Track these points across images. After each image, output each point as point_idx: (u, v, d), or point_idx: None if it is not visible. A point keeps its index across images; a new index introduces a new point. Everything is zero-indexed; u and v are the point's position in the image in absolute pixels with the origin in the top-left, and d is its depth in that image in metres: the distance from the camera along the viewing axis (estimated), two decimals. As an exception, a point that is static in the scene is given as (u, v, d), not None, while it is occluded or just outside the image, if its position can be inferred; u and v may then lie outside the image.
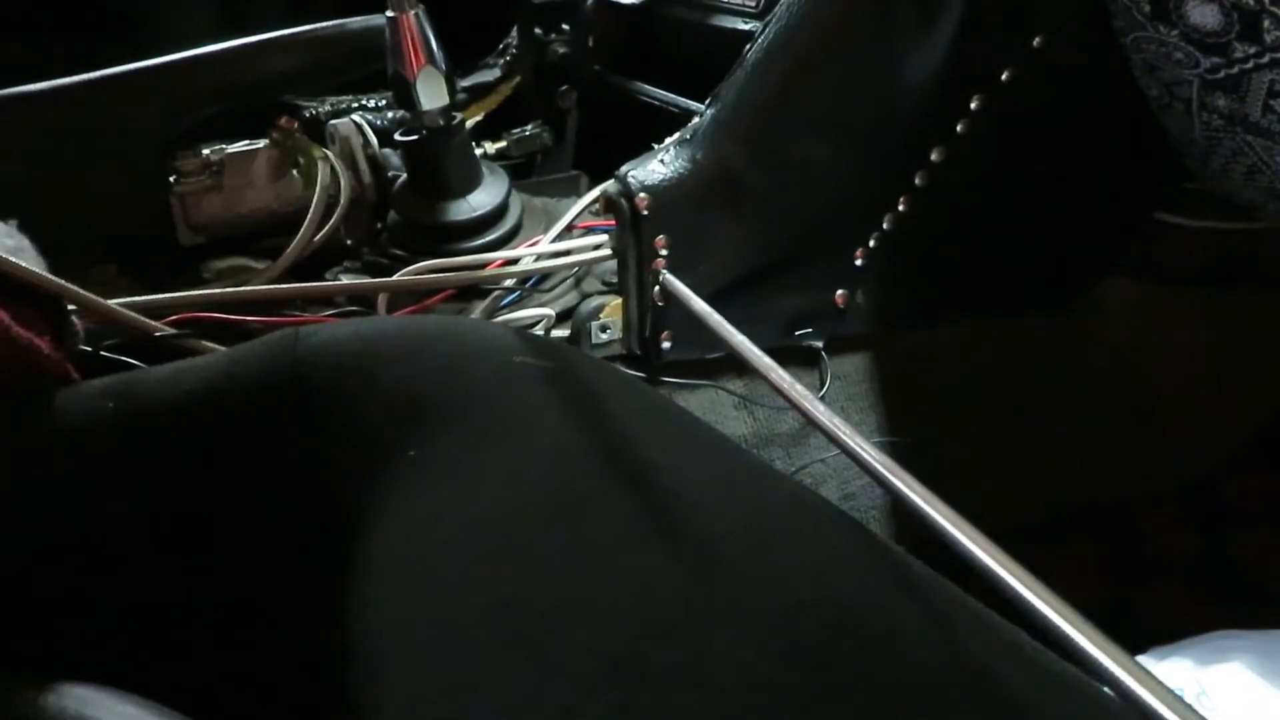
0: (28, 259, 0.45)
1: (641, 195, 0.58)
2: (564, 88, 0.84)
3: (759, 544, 0.34)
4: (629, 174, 0.59)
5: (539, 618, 0.32)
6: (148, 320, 0.47)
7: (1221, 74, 0.57)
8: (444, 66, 0.66)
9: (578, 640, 0.31)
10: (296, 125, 0.70)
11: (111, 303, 0.46)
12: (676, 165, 0.59)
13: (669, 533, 0.34)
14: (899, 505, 0.73)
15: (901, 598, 0.32)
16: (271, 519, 0.40)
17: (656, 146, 0.62)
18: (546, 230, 0.69)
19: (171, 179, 0.68)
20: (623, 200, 0.58)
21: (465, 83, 0.84)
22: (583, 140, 0.89)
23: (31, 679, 0.33)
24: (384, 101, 0.81)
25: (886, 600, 0.31)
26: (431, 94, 0.65)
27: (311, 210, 0.67)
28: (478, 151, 0.76)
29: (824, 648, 0.29)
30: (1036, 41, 0.63)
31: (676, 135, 0.61)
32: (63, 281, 0.45)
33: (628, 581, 0.33)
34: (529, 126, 0.82)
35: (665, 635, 0.31)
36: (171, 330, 0.47)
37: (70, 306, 0.47)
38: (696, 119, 0.62)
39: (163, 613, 0.39)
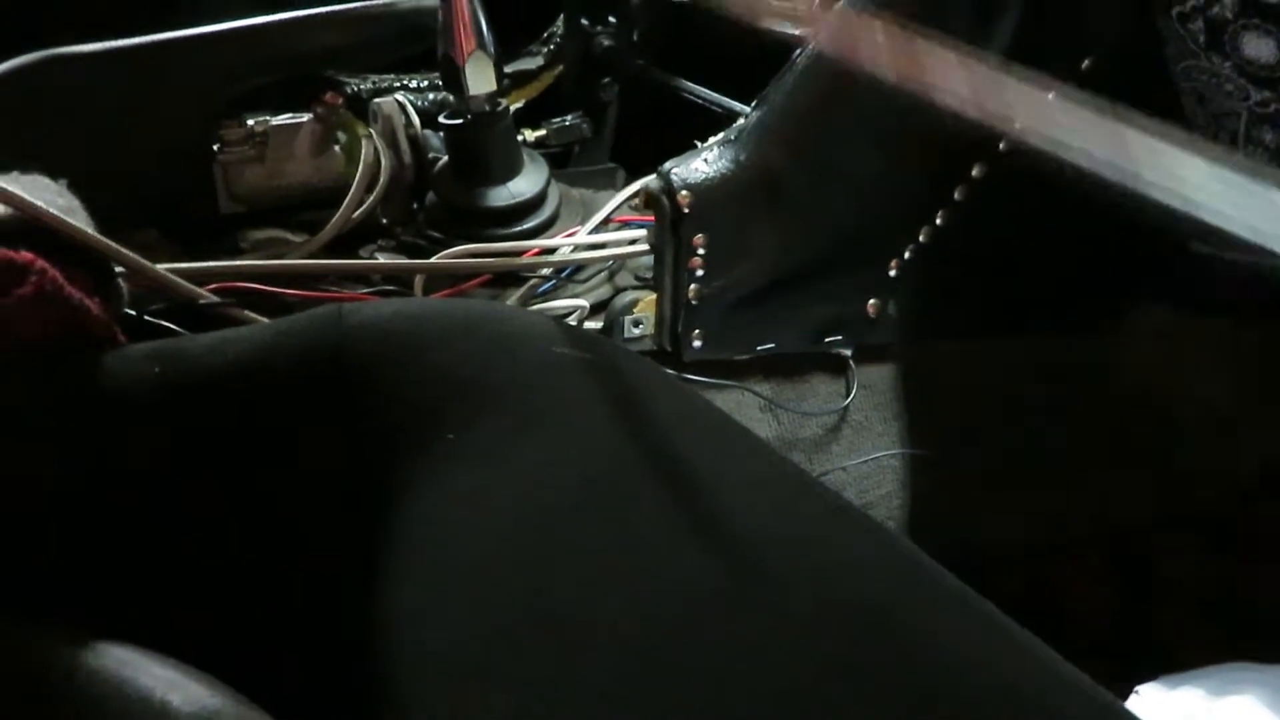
0: (78, 219, 0.46)
1: (683, 193, 0.58)
2: (606, 80, 0.84)
3: (794, 547, 0.34)
4: (672, 171, 0.59)
5: (571, 607, 0.32)
6: (193, 287, 0.47)
7: (1271, 108, 0.57)
8: (493, 52, 0.66)
9: (609, 632, 0.31)
10: (342, 102, 0.70)
11: (159, 268, 0.47)
12: (719, 165, 0.60)
13: (704, 531, 0.34)
14: (916, 515, 0.73)
15: (934, 606, 0.32)
16: (309, 492, 0.40)
17: (699, 145, 0.62)
18: (583, 221, 0.69)
19: (215, 147, 0.68)
20: (664, 197, 0.59)
21: (508, 69, 0.84)
22: (621, 133, 0.89)
23: (70, 636, 0.33)
24: (426, 82, 0.81)
25: (920, 609, 0.32)
26: (480, 79, 0.66)
27: (354, 187, 0.67)
28: (518, 138, 0.76)
29: (857, 652, 0.30)
30: (1086, 64, 0.63)
31: (721, 135, 0.61)
32: (112, 243, 0.46)
33: (661, 577, 0.33)
34: (569, 117, 0.82)
35: (697, 632, 0.31)
36: (216, 298, 0.47)
37: (117, 269, 0.48)
38: (742, 120, 0.62)
39: (196, 578, 0.39)
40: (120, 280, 0.47)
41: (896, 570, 0.34)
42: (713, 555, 0.33)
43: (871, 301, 0.68)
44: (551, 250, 0.65)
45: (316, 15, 0.70)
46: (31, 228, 0.43)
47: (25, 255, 0.39)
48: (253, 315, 0.48)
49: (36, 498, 0.37)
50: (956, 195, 0.66)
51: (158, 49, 0.64)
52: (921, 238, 0.67)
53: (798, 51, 0.61)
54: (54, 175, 0.50)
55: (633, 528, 0.35)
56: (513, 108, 0.80)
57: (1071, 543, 0.83)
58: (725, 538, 0.34)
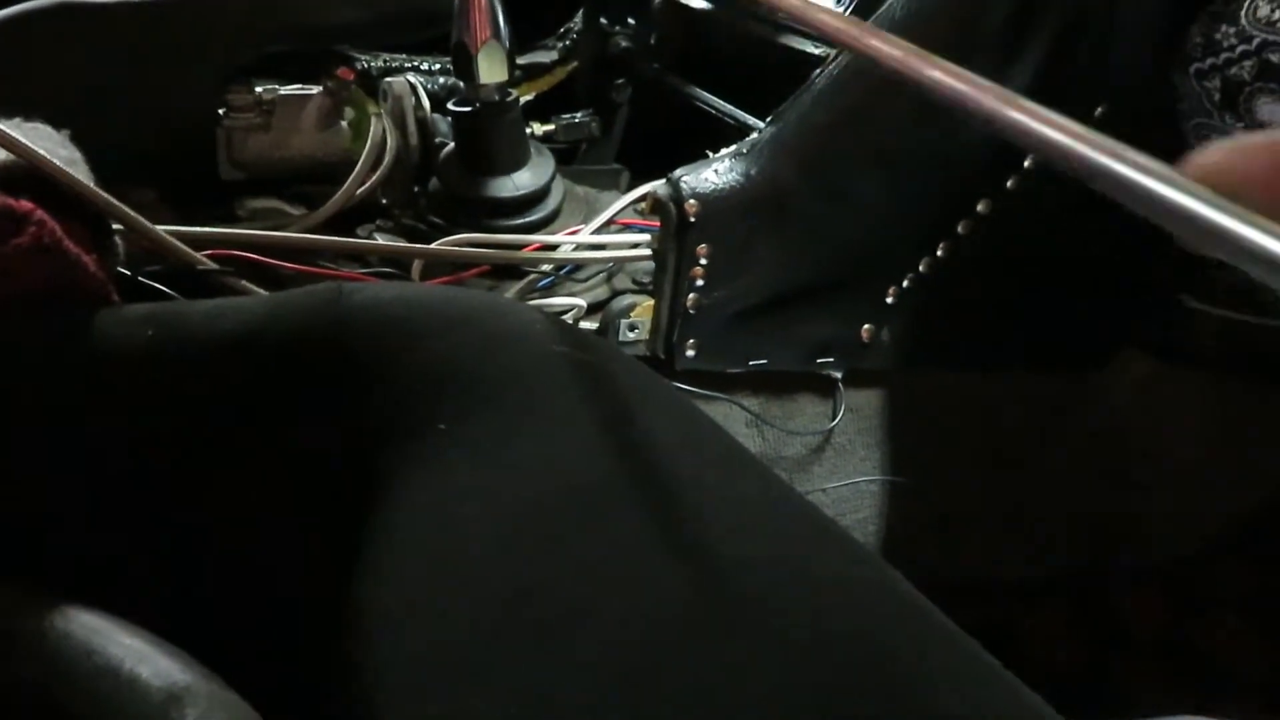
0: (80, 172, 0.45)
1: (691, 202, 0.58)
2: (620, 81, 0.84)
3: (783, 567, 0.34)
4: (682, 179, 0.59)
5: (558, 612, 0.32)
6: (191, 251, 0.47)
7: (1279, 172, 0.57)
8: (507, 43, 0.66)
9: (595, 640, 0.31)
10: (353, 77, 0.69)
11: (158, 229, 0.46)
12: (730, 177, 0.60)
13: (693, 544, 0.34)
14: (889, 542, 0.74)
15: (924, 640, 0.32)
16: (296, 471, 0.39)
17: (709, 154, 0.62)
18: (586, 219, 0.69)
19: (221, 112, 0.67)
20: (672, 204, 0.58)
21: (521, 60, 0.83)
22: (629, 135, 0.88)
23: (43, 598, 0.32)
24: (437, 66, 0.81)
25: (910, 641, 0.31)
26: (492, 68, 0.65)
27: (359, 165, 0.67)
28: (526, 131, 0.76)
29: (844, 679, 0.29)
30: (1099, 111, 0.64)
31: (733, 147, 0.61)
32: (113, 199, 0.45)
33: (650, 587, 0.33)
34: (579, 114, 0.81)
35: (685, 648, 0.31)
36: (215, 265, 0.47)
37: (115, 226, 0.47)
38: (755, 134, 0.62)
39: (173, 548, 0.38)
40: (117, 238, 0.46)
41: (884, 597, 0.34)
42: (701, 571, 0.33)
43: (866, 326, 0.68)
44: (553, 247, 0.64)
45: (335, -11, 0.69)
46: (32, 176, 0.42)
47: (25, 204, 0.38)
48: (250, 286, 0.47)
49: (21, 453, 0.36)
50: (960, 229, 0.67)
51: (170, 6, 0.63)
52: (922, 267, 0.67)
53: (817, 72, 0.61)
54: (57, 126, 0.49)
55: (621, 536, 0.35)
56: (523, 100, 0.79)
57: (1035, 585, 0.84)
58: (713, 553, 0.34)
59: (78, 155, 0.47)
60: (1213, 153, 0.18)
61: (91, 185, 0.43)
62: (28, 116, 0.47)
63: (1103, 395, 0.84)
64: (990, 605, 0.83)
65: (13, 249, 0.37)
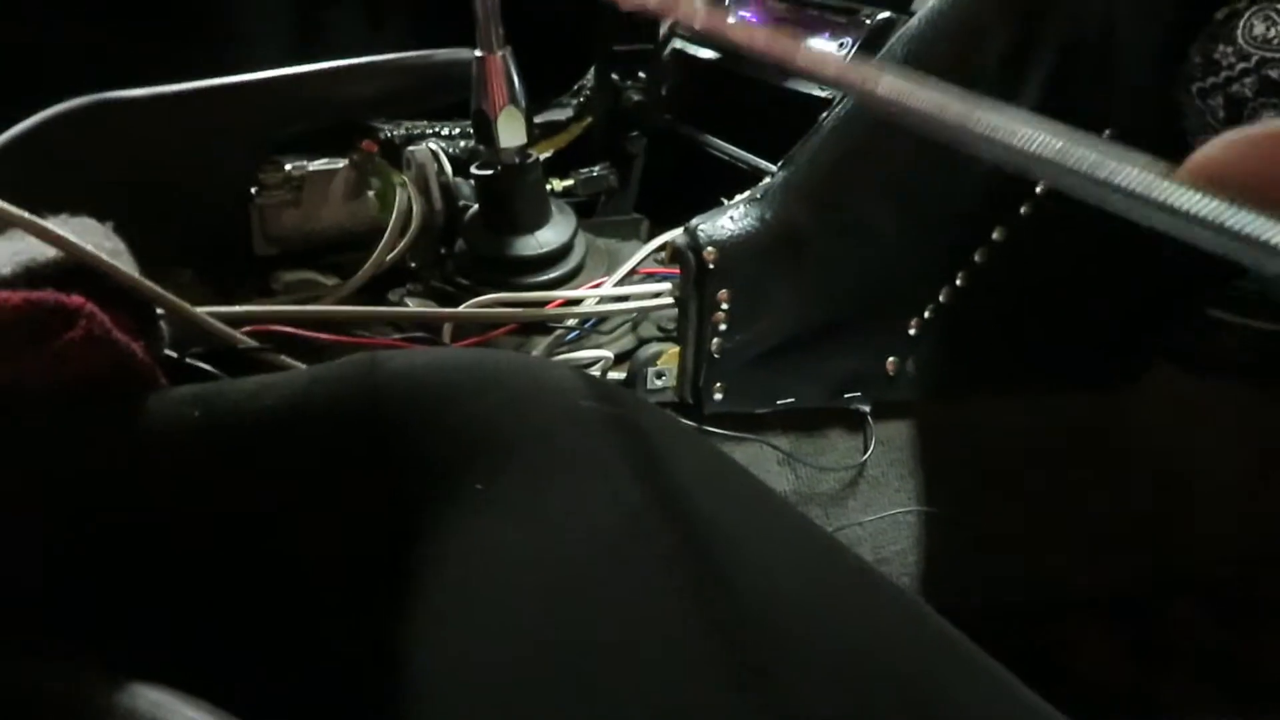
0: (124, 262, 0.47)
1: (709, 249, 0.59)
2: (634, 133, 0.86)
3: (819, 611, 0.35)
4: (699, 227, 0.60)
5: (593, 664, 0.33)
6: (231, 331, 0.49)
7: (1290, 183, 0.58)
8: (525, 106, 0.68)
9: (631, 690, 0.32)
10: (377, 149, 0.72)
11: (199, 311, 0.48)
12: (745, 222, 0.61)
13: (729, 593, 0.35)
14: (929, 572, 0.74)
15: (965, 678, 0.32)
16: (337, 539, 0.41)
17: (726, 202, 0.63)
18: (609, 271, 0.71)
19: (253, 190, 0.70)
20: (690, 253, 0.60)
21: (538, 119, 0.86)
22: (646, 185, 0.90)
23: (107, 676, 0.34)
24: (457, 130, 0.84)
25: (950, 681, 0.32)
26: (511, 132, 0.67)
27: (387, 233, 0.69)
28: (546, 189, 0.78)
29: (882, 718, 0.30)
30: (1106, 134, 0.64)
31: (747, 193, 0.63)
32: (157, 287, 0.47)
33: (685, 636, 0.34)
34: (596, 168, 0.84)
35: (722, 692, 0.31)
36: (254, 343, 0.49)
37: (158, 311, 0.49)
38: (768, 179, 0.63)
39: (225, 620, 0.40)
40: (162, 322, 0.48)
41: (923, 638, 0.34)
42: (737, 620, 0.34)
43: (891, 359, 0.69)
44: (578, 301, 0.66)
45: (356, 65, 0.72)
46: (80, 270, 0.44)
47: (75, 299, 0.40)
48: (289, 360, 0.49)
49: (79, 537, 0.38)
50: (977, 257, 0.67)
51: (202, 95, 0.66)
52: (942, 298, 0.68)
53: (824, 114, 0.62)
54: (100, 217, 0.51)
55: (656, 588, 0.36)
56: (542, 157, 0.82)
57: (1078, 604, 0.83)
58: (749, 601, 0.35)
59: (121, 246, 0.49)
60: (1215, 147, 0.18)
61: (136, 274, 0.46)
62: (73, 210, 0.50)
63: (1134, 411, 0.83)
64: (1034, 628, 0.83)
65: (65, 342, 0.39)
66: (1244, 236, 0.16)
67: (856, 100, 0.60)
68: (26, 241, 0.45)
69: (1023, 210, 0.67)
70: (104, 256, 0.45)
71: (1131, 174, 0.19)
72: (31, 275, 0.42)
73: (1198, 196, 0.17)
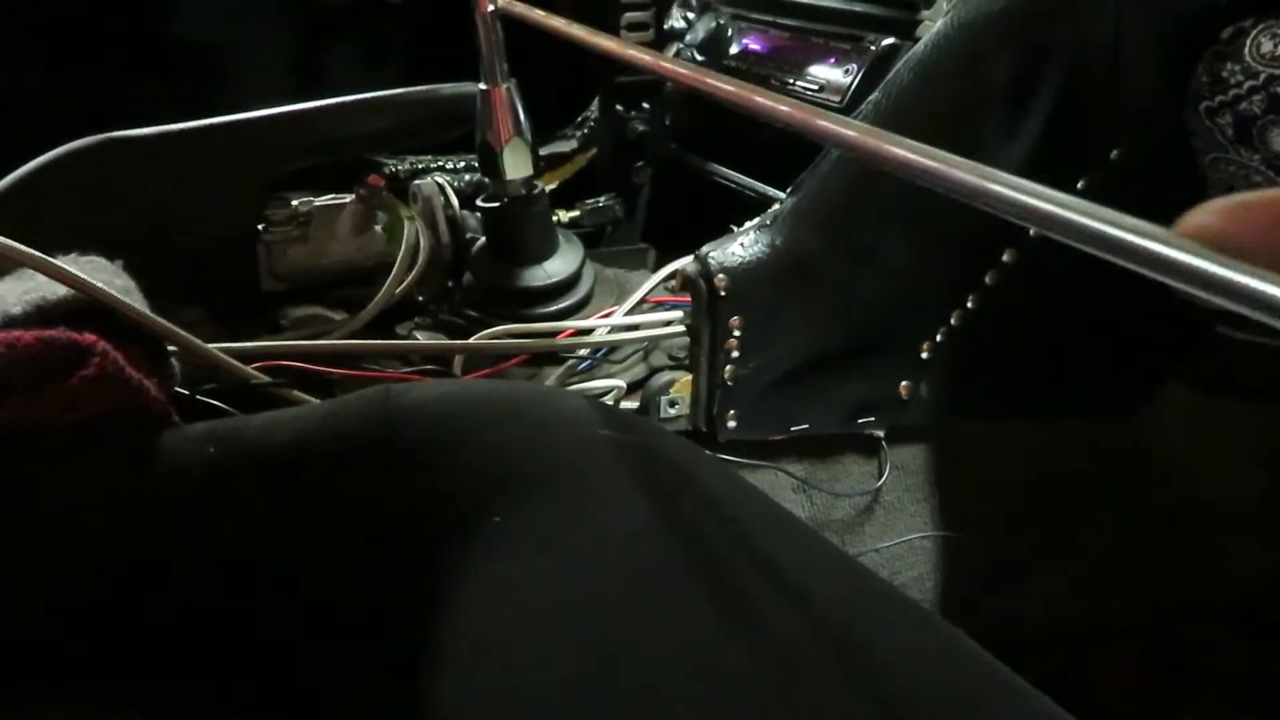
0: (135, 300, 0.47)
1: (720, 276, 0.59)
2: (639, 163, 0.86)
3: (847, 635, 0.34)
4: (709, 255, 0.60)
5: (620, 699, 0.32)
6: (244, 368, 0.48)
7: (1302, 198, 0.58)
8: (530, 138, 0.68)
9: (661, 718, 0.31)
10: (384, 183, 0.72)
11: (211, 347, 0.48)
12: (755, 249, 0.61)
13: (756, 620, 0.34)
14: (948, 597, 0.73)
15: (992, 698, 0.32)
16: (355, 575, 0.40)
17: (733, 228, 0.63)
18: (618, 301, 0.70)
19: (260, 226, 0.70)
20: (701, 280, 0.60)
21: (543, 151, 0.86)
22: (652, 214, 0.91)
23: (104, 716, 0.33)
24: (462, 164, 0.84)
25: (979, 700, 0.31)
26: (517, 164, 0.67)
27: (395, 267, 0.69)
28: (553, 220, 0.78)
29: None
30: (1114, 154, 0.64)
31: (756, 220, 0.63)
32: (168, 324, 0.47)
33: (711, 667, 0.33)
34: (603, 198, 0.84)
35: (753, 718, 0.31)
36: (268, 379, 0.48)
37: (170, 348, 0.49)
38: (777, 205, 0.63)
39: (238, 655, 0.39)
40: (174, 360, 0.48)
41: (953, 661, 0.33)
42: (766, 646, 0.33)
43: (904, 383, 0.68)
44: (588, 331, 0.66)
45: (362, 101, 0.72)
46: (92, 308, 0.44)
47: (88, 337, 0.40)
48: (302, 395, 0.49)
49: (90, 577, 0.37)
50: (987, 279, 0.67)
51: (209, 133, 0.66)
52: (953, 320, 0.68)
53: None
54: (108, 255, 0.51)
55: (682, 617, 0.35)
56: (547, 188, 0.82)
57: (1103, 629, 0.82)
58: (777, 626, 0.34)
59: (131, 284, 0.49)
60: (1207, 213, 0.19)
61: (147, 312, 0.45)
62: (81, 249, 0.50)
63: (1150, 432, 0.83)
64: (1059, 654, 0.82)
65: (79, 380, 0.38)
66: (1250, 298, 0.17)
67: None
68: (37, 280, 0.45)
69: (1031, 232, 0.67)
70: (115, 294, 0.45)
71: (1133, 237, 0.20)
72: (43, 314, 0.42)
73: (1199, 260, 0.18)
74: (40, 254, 0.44)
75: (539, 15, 0.57)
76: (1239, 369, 0.86)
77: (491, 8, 0.62)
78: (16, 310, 0.42)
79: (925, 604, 0.72)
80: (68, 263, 0.46)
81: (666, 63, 0.44)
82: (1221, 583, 0.85)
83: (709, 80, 0.40)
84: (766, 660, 0.33)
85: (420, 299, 0.75)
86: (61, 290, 0.44)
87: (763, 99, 0.36)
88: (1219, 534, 0.84)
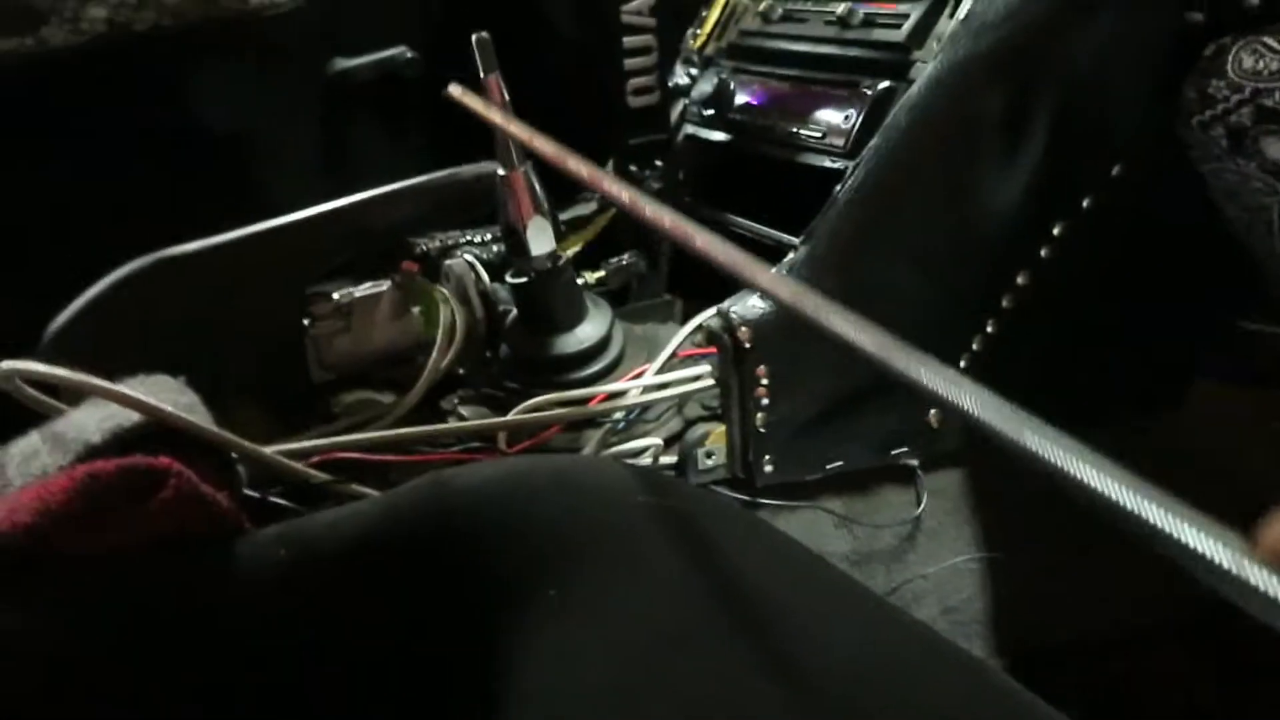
0: (199, 415, 0.51)
1: (743, 329, 0.62)
2: (658, 219, 0.89)
3: (886, 682, 0.36)
4: (730, 310, 0.63)
5: None
6: (303, 468, 0.52)
7: (1302, 200, 0.59)
8: (549, 213, 0.71)
9: None
10: (418, 268, 0.76)
11: (269, 450, 0.51)
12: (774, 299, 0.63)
13: (798, 672, 0.37)
14: (999, 616, 0.74)
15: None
16: (420, 655, 0.43)
17: (753, 279, 0.66)
18: (649, 357, 0.73)
19: (306, 322, 0.74)
20: (725, 334, 0.62)
21: (564, 216, 0.89)
22: (674, 265, 0.93)
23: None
24: (489, 235, 0.87)
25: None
26: (540, 240, 0.70)
27: (436, 348, 0.72)
28: (579, 282, 0.81)
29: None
30: (1115, 170, 0.66)
31: (773, 270, 0.65)
32: (232, 437, 0.50)
33: (753, 715, 0.35)
34: (625, 256, 0.87)
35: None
36: (326, 476, 0.52)
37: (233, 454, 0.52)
38: (791, 254, 0.66)
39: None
40: (239, 466, 0.51)
41: (990, 703, 0.35)
42: (803, 695, 0.35)
43: (933, 412, 0.70)
44: (623, 393, 0.69)
45: (388, 193, 0.76)
46: (163, 427, 0.48)
47: (163, 461, 0.43)
48: (359, 489, 0.52)
49: (183, 688, 0.40)
50: (1005, 303, 0.69)
51: (252, 240, 0.70)
52: (975, 346, 0.69)
53: (838, 187, 0.65)
54: (170, 368, 0.55)
55: (728, 672, 0.37)
56: (572, 251, 0.85)
57: (1152, 631, 0.82)
58: (818, 678, 0.36)
59: (195, 399, 0.53)
60: None
61: (212, 426, 0.49)
62: (146, 365, 0.54)
63: (1183, 432, 0.83)
64: (1111, 658, 0.82)
65: (159, 502, 0.42)
66: None
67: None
68: (110, 407, 0.49)
69: (1043, 253, 0.68)
70: (182, 415, 0.48)
71: (1216, 551, 0.20)
72: (120, 440, 0.46)
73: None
74: (110, 385, 0.48)
75: (479, 105, 0.60)
76: (1258, 360, 0.86)
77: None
78: (96, 439, 0.46)
79: (977, 624, 0.73)
80: (135, 385, 0.50)
81: (607, 182, 0.48)
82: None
83: (647, 210, 0.44)
84: (801, 708, 0.35)
85: (461, 372, 0.78)
86: (135, 416, 0.47)
87: (701, 240, 0.41)
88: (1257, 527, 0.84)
